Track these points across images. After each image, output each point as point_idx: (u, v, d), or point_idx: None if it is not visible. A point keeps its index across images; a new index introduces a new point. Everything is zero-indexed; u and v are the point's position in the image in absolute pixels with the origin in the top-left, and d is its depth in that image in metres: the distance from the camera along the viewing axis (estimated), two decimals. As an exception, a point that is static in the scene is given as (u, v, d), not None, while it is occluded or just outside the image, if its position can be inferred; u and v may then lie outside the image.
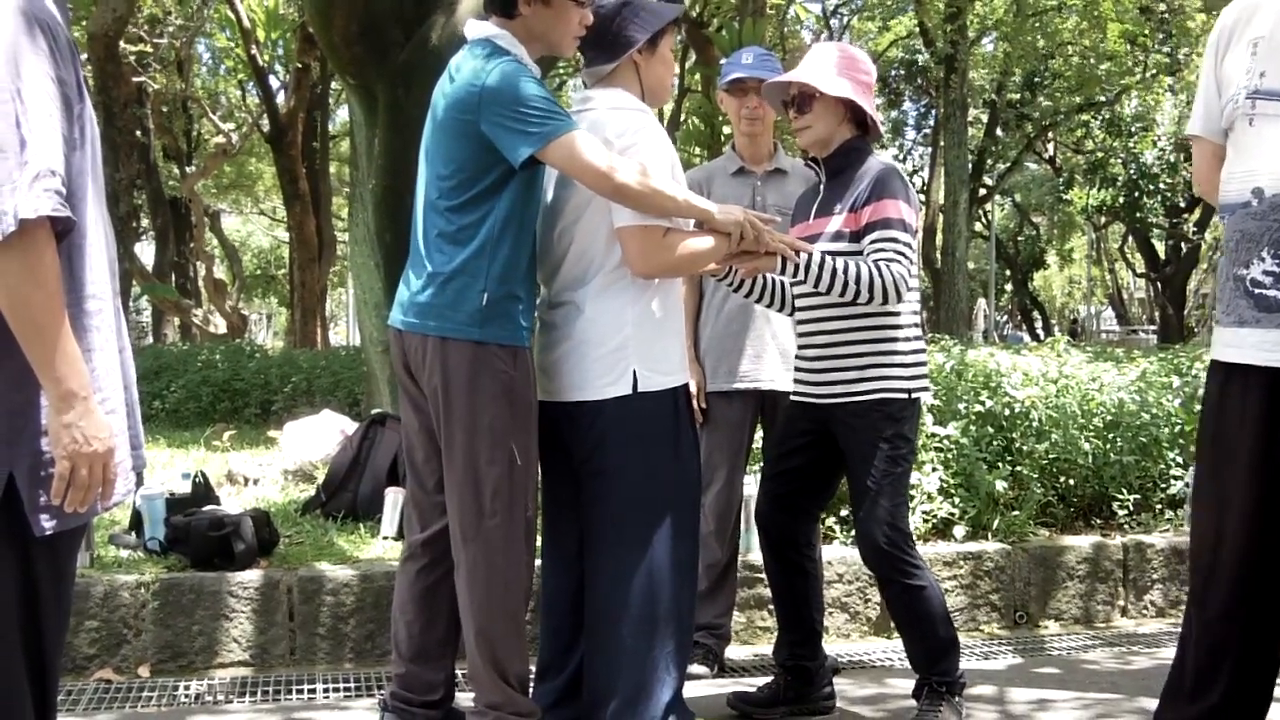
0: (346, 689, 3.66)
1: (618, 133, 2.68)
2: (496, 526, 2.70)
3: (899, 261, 3.04)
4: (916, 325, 3.23)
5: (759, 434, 4.05)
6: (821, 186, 3.31)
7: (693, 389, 2.92)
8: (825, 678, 3.45)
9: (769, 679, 3.51)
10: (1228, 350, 2.39)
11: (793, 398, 3.37)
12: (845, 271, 2.98)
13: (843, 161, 3.24)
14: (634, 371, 2.67)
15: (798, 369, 3.33)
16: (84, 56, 12.41)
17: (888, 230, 3.07)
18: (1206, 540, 2.45)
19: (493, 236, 2.68)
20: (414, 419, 2.87)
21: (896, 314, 3.15)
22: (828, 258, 2.99)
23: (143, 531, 4.16)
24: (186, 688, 3.65)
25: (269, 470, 5.71)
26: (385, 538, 4.43)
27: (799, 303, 3.29)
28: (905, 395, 3.15)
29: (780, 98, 3.36)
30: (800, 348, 3.32)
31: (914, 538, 3.26)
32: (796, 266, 2.95)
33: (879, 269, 3.01)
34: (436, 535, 2.87)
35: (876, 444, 3.13)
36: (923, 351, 3.23)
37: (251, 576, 3.88)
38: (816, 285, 2.99)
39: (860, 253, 3.09)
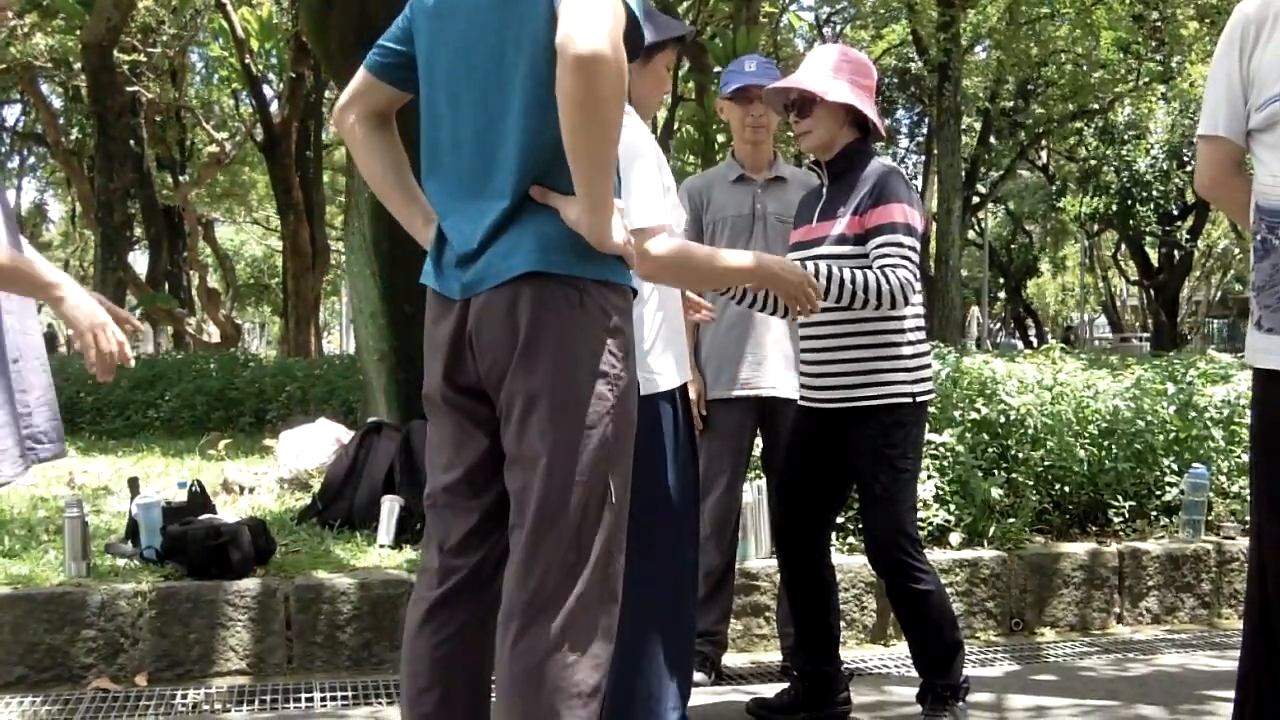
0: (344, 697, 3.65)
1: None
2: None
3: (904, 266, 3.04)
4: (920, 328, 3.22)
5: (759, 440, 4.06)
6: (824, 189, 3.30)
7: (693, 396, 2.91)
8: (843, 683, 3.45)
9: (783, 685, 3.50)
10: None
11: (799, 403, 3.36)
12: (853, 281, 2.97)
13: (845, 164, 3.24)
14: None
15: (801, 374, 3.33)
16: (78, 66, 12.42)
17: (893, 234, 3.07)
18: None
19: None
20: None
21: (900, 317, 3.14)
22: (833, 268, 2.98)
23: (139, 540, 4.16)
24: (184, 696, 3.65)
25: (264, 479, 5.70)
26: (382, 546, 4.43)
27: None
28: (910, 399, 3.15)
29: (781, 102, 3.36)
30: (802, 351, 3.31)
31: (921, 542, 3.26)
32: None
33: (884, 274, 3.00)
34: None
35: (883, 448, 3.13)
36: (927, 354, 3.23)
37: (248, 585, 3.88)
38: (825, 297, 2.98)
39: (865, 255, 3.10)
